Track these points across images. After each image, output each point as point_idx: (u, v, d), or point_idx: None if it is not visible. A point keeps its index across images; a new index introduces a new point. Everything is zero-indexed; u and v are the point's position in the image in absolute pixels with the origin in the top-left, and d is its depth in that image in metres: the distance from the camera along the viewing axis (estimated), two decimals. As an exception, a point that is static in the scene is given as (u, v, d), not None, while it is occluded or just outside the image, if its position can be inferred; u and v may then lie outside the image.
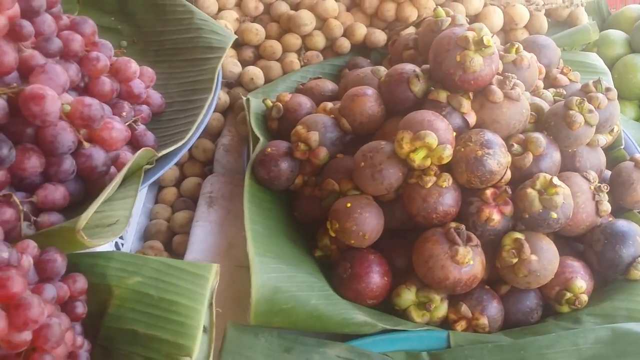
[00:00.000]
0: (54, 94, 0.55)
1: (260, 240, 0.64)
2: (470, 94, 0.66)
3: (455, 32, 0.65)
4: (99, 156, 0.60)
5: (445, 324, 0.64)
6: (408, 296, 0.64)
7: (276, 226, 0.69)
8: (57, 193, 0.58)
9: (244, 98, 0.80)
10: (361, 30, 0.90)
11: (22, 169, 0.56)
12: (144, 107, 0.72)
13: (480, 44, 0.63)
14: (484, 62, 0.64)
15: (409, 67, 0.69)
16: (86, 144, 0.59)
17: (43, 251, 0.50)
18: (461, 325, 0.63)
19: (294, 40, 0.90)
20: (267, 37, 0.91)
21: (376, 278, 0.64)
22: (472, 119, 0.66)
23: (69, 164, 0.58)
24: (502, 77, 0.67)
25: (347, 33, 0.91)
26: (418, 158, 0.61)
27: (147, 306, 0.53)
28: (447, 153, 0.61)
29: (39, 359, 0.40)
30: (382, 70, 0.75)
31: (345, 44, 0.90)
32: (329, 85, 0.82)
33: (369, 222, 0.63)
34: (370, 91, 0.70)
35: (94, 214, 0.56)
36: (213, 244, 0.74)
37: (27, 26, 0.57)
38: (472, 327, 0.63)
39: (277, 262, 0.63)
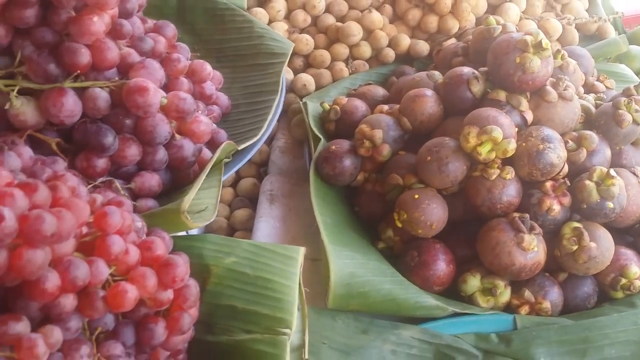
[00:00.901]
0: (155, 87, 0.59)
1: (331, 231, 0.68)
2: (528, 94, 0.71)
3: (513, 36, 0.70)
4: (189, 147, 0.63)
5: (508, 309, 0.68)
6: (473, 282, 0.67)
7: (341, 219, 0.73)
8: (153, 180, 0.61)
9: (301, 102, 0.85)
10: (405, 41, 0.95)
11: (122, 157, 0.60)
12: (215, 107, 0.76)
13: (538, 47, 0.68)
14: (541, 64, 0.69)
15: (468, 70, 0.74)
16: (177, 136, 0.63)
17: (150, 230, 0.54)
18: (524, 309, 0.67)
19: (342, 49, 0.95)
20: (315, 47, 0.96)
21: (442, 265, 0.67)
22: (529, 117, 0.70)
23: (162, 154, 0.62)
24: (555, 79, 0.72)
25: (392, 44, 0.96)
26: (484, 151, 0.66)
27: (243, 284, 0.57)
28: (512, 146, 0.65)
29: (179, 317, 0.43)
30: (437, 74, 0.79)
31: (390, 54, 0.95)
32: (380, 91, 0.86)
33: (436, 213, 0.67)
34: (429, 92, 0.75)
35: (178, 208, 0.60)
36: (277, 238, 0.78)
37: (126, 25, 0.61)
38: (534, 311, 0.67)
39: (349, 250, 0.67)
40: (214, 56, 0.86)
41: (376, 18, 0.95)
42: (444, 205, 0.68)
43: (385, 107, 0.79)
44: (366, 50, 0.95)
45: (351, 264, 0.64)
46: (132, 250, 0.42)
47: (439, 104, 0.74)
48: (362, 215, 0.76)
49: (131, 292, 0.40)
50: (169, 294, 0.43)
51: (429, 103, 0.74)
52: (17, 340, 0.35)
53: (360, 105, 0.82)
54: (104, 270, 0.39)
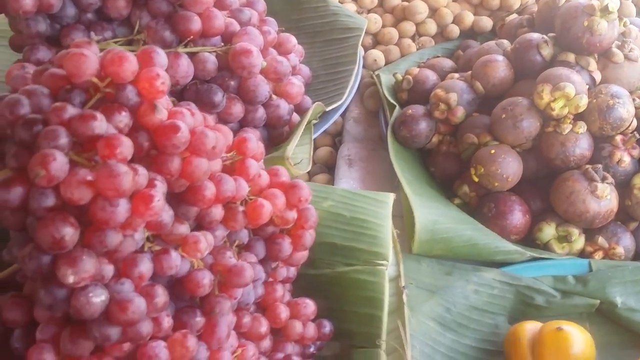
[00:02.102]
0: (257, 50, 0.65)
1: (411, 185, 0.74)
2: (595, 56, 0.75)
3: (580, 2, 0.75)
4: (284, 107, 0.70)
5: (582, 256, 0.72)
6: (549, 231, 0.72)
7: (419, 177, 0.78)
8: (254, 136, 0.68)
9: (375, 74, 0.91)
10: (469, 17, 1.00)
11: (228, 114, 0.66)
12: (299, 77, 0.82)
13: (605, 11, 0.73)
14: (608, 26, 0.73)
15: (537, 35, 0.79)
16: (274, 96, 0.69)
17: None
18: (598, 255, 0.71)
19: (409, 27, 1.00)
20: (383, 26, 1.02)
21: (519, 215, 0.72)
22: (598, 77, 0.75)
23: (261, 112, 0.69)
24: (620, 42, 0.76)
25: (456, 20, 1.01)
26: (557, 107, 0.70)
27: (341, 224, 0.63)
28: (584, 102, 0.70)
29: (302, 235, 0.50)
30: (506, 42, 0.84)
31: (455, 30, 1.01)
32: (448, 62, 0.92)
33: (512, 166, 0.72)
34: (500, 57, 0.80)
35: (282, 156, 0.67)
36: (358, 198, 0.84)
37: (229, -3, 0.68)
38: (608, 256, 0.71)
39: (430, 201, 0.72)
40: (293, 34, 0.93)
41: (441, -4, 1.00)
42: (518, 159, 0.73)
43: (456, 75, 0.85)
44: (431, 27, 1.01)
45: (434, 212, 0.70)
46: (263, 174, 0.48)
47: (509, 68, 0.79)
48: (437, 176, 0.81)
49: (267, 207, 0.46)
50: (293, 214, 0.49)
51: (500, 67, 0.79)
52: (182, 239, 0.42)
53: (431, 75, 0.87)
54: (245, 187, 0.45)
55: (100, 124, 0.37)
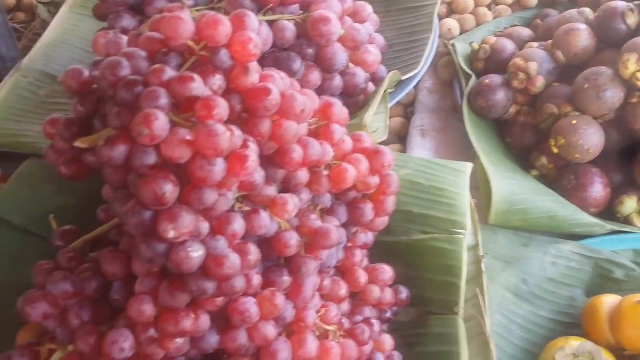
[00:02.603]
0: (336, 17, 0.65)
1: (488, 155, 0.73)
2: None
3: (672, -34, 0.71)
4: (361, 75, 0.70)
5: (665, 230, 0.70)
6: (630, 204, 0.70)
7: (496, 148, 0.77)
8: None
9: (450, 43, 0.89)
10: (548, -15, 0.97)
11: (306, 82, 0.67)
12: (373, 46, 0.82)
13: (697, -25, 0.69)
14: (700, -8, 0.70)
15: (622, 3, 0.75)
16: (351, 65, 0.69)
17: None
18: (682, 229, 0.68)
19: (485, -5, 0.98)
20: (458, -6, 1.00)
21: (599, 188, 0.70)
22: (688, 45, 0.71)
23: (338, 80, 0.69)
24: None
25: (534, -12, 0.98)
26: (644, 76, 0.68)
27: (418, 192, 0.63)
28: (673, 71, 0.67)
29: (384, 200, 0.50)
30: (588, 10, 0.81)
31: (532, -1, 0.98)
32: (526, 31, 0.89)
33: (593, 138, 0.70)
34: (583, 26, 0.77)
35: (360, 123, 0.67)
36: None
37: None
38: (692, 231, 0.68)
39: (508, 172, 0.71)
40: (367, 2, 0.92)
41: (518, -36, 0.97)
42: (600, 130, 0.71)
43: (535, 44, 0.82)
44: (508, -5, 0.98)
45: (511, 183, 0.69)
46: (347, 139, 0.49)
47: (592, 37, 0.76)
48: (513, 147, 0.80)
49: (351, 172, 0.46)
50: (376, 180, 0.49)
51: (583, 36, 0.76)
52: (271, 201, 0.43)
53: (508, 44, 0.85)
54: (330, 152, 0.46)
55: (198, 86, 0.38)
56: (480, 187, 0.70)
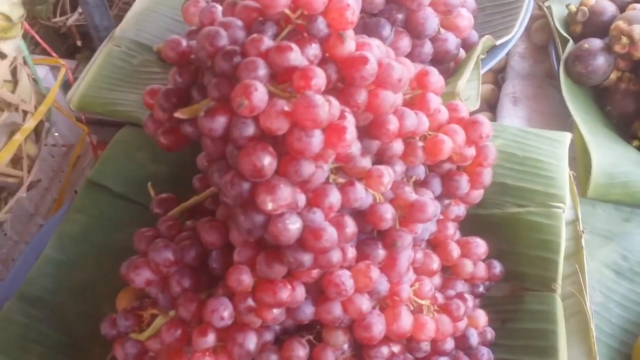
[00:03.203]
0: (428, -19, 0.63)
1: (587, 124, 0.69)
2: None
3: None
4: (452, 41, 0.67)
5: None
6: None
7: (594, 117, 0.73)
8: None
9: (545, 5, 0.84)
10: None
11: (395, 49, 0.64)
12: (465, 10, 0.78)
13: None
14: None
15: None
16: (442, 30, 0.67)
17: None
18: None
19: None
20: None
21: None
22: None
23: (429, 46, 0.67)
24: None
25: (639, -57, 0.91)
26: None
27: (513, 163, 0.60)
28: None
29: (480, 172, 0.48)
30: (702, -34, 0.75)
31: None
32: (629, -9, 0.83)
33: None
34: (697, -16, 0.71)
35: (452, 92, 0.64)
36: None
37: None
38: None
39: (608, 142, 0.67)
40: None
41: None
42: None
43: (639, 6, 0.77)
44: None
45: (612, 154, 0.65)
46: (442, 109, 0.47)
47: None
48: (613, 116, 0.75)
49: (447, 143, 0.45)
50: (472, 151, 0.47)
51: (696, -6, 0.70)
52: (365, 173, 0.42)
53: (609, 6, 0.80)
54: (425, 122, 0.45)
55: (296, 56, 0.37)
56: (578, 158, 0.67)
